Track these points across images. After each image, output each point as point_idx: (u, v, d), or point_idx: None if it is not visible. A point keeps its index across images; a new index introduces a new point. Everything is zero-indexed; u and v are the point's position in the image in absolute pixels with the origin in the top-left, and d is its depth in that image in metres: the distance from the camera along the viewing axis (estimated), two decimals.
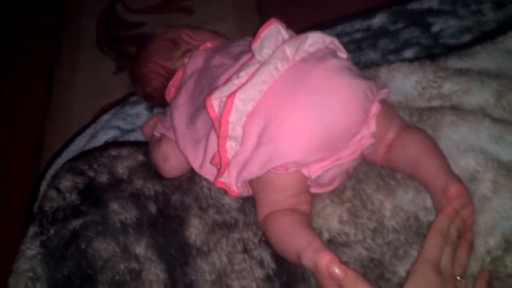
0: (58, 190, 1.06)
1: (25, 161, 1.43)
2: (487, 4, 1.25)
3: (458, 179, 0.81)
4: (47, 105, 1.56)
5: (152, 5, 1.79)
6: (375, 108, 0.87)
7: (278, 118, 0.83)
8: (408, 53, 1.18)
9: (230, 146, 0.86)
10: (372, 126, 0.87)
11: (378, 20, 1.31)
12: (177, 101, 1.02)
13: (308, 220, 0.88)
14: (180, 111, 1.00)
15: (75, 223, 0.99)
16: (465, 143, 0.91)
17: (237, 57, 0.95)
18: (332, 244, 0.89)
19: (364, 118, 0.86)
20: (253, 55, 0.88)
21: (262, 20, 1.58)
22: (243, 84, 0.84)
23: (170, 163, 1.02)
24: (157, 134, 1.06)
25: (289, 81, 0.85)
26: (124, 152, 1.11)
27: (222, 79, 0.93)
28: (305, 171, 0.86)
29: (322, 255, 0.75)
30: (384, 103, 0.90)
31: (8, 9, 1.94)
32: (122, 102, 1.32)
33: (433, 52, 1.15)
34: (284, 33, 0.89)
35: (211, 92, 0.88)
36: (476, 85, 1.00)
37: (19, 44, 1.80)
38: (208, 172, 0.94)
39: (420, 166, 0.85)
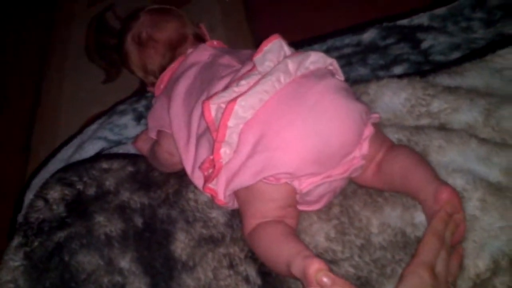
0: (46, 200, 1.05)
1: (11, 170, 1.42)
2: (477, 21, 1.26)
3: (448, 184, 0.83)
4: (34, 113, 1.55)
5: None
6: (368, 131, 0.88)
7: (276, 129, 0.84)
8: (398, 69, 1.19)
9: (224, 152, 0.86)
10: (364, 148, 0.88)
11: (368, 36, 1.31)
12: (175, 90, 1.01)
13: (295, 232, 0.88)
14: (178, 102, 0.99)
15: (60, 235, 0.98)
16: (454, 165, 0.92)
17: (244, 63, 0.96)
18: None
19: (357, 139, 0.87)
20: (254, 67, 0.89)
21: (252, 31, 1.60)
22: (244, 92, 0.85)
23: (177, 155, 1.00)
24: (153, 133, 1.05)
25: (290, 94, 0.86)
26: (116, 165, 1.10)
27: (224, 82, 0.93)
28: (296, 184, 0.86)
29: (311, 262, 0.74)
30: (375, 126, 0.91)
31: None
32: (109, 111, 1.31)
33: (423, 69, 1.16)
34: (286, 49, 0.91)
35: (209, 95, 0.89)
36: (465, 103, 1.00)
37: (7, 51, 1.79)
38: (198, 180, 0.94)
39: (410, 176, 0.86)
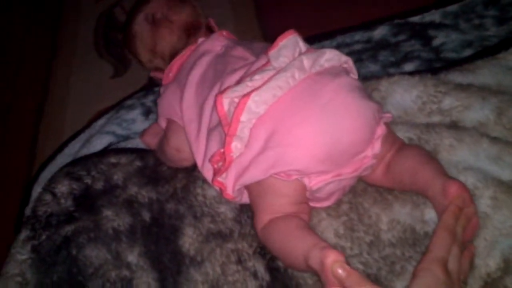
0: (53, 194, 1.04)
1: (18, 164, 1.41)
2: (490, 19, 1.24)
3: (456, 179, 0.82)
4: (42, 108, 1.54)
5: None
6: (381, 130, 0.88)
7: (288, 125, 0.84)
8: (409, 66, 1.18)
9: (235, 146, 0.86)
10: (376, 147, 0.88)
11: (379, 32, 1.30)
12: (188, 80, 1.00)
13: (309, 226, 0.87)
14: (190, 93, 0.99)
15: (68, 229, 0.98)
16: (465, 163, 0.91)
17: (258, 56, 0.95)
18: None
19: (369, 138, 0.87)
20: (268, 61, 0.89)
21: (261, 27, 1.59)
22: (258, 87, 0.85)
23: (185, 151, 1.00)
24: (162, 121, 1.05)
25: (304, 91, 0.85)
26: (124, 159, 1.10)
27: (237, 75, 0.93)
28: (306, 181, 0.86)
29: (328, 253, 0.73)
30: (387, 125, 0.91)
31: (4, 11, 1.92)
32: (117, 106, 1.31)
33: (434, 66, 1.15)
34: (302, 45, 0.91)
35: (222, 88, 0.89)
36: (477, 101, 0.99)
37: (15, 46, 1.79)
38: (208, 172, 0.94)
39: (418, 174, 0.86)
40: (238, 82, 0.89)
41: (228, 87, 0.88)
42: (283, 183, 0.85)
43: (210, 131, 0.93)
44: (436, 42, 1.22)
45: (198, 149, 0.95)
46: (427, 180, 0.84)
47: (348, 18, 1.40)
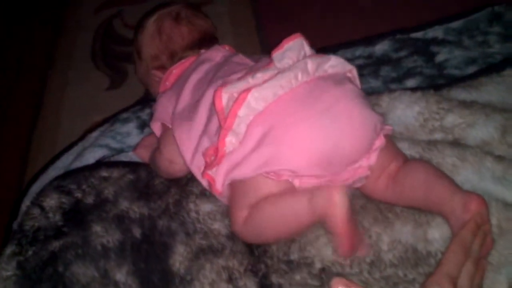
0: (42, 208, 1.01)
1: (9, 175, 1.38)
2: (494, 36, 1.22)
3: (477, 193, 0.80)
4: (36, 118, 1.52)
5: None
6: (379, 142, 0.86)
7: (285, 124, 0.83)
8: (411, 83, 1.15)
9: (230, 141, 0.85)
10: (372, 158, 0.86)
11: (380, 47, 1.28)
12: (185, 84, 1.00)
13: None
14: (186, 94, 0.99)
15: (55, 245, 0.94)
16: (468, 184, 0.88)
17: (258, 62, 0.96)
18: (325, 273, 0.84)
19: (367, 148, 0.85)
20: (271, 62, 0.88)
21: (261, 41, 1.58)
22: (259, 84, 0.84)
23: (178, 163, 0.98)
24: (156, 126, 1.04)
25: (305, 94, 0.85)
26: (116, 173, 1.06)
27: (238, 75, 0.92)
28: (296, 183, 0.84)
29: (335, 189, 0.76)
30: (389, 138, 0.89)
31: (1, 18, 1.90)
32: (112, 118, 1.28)
33: (437, 82, 1.12)
34: (307, 49, 0.90)
35: (223, 83, 0.88)
36: (480, 118, 0.97)
37: (12, 55, 1.77)
38: (197, 167, 0.93)
39: (433, 187, 0.83)
40: (240, 79, 0.88)
41: (228, 82, 0.87)
42: (271, 183, 0.84)
43: (204, 128, 0.92)
44: (439, 58, 1.20)
45: (189, 144, 0.94)
46: (443, 194, 0.81)
47: (349, 33, 1.39)
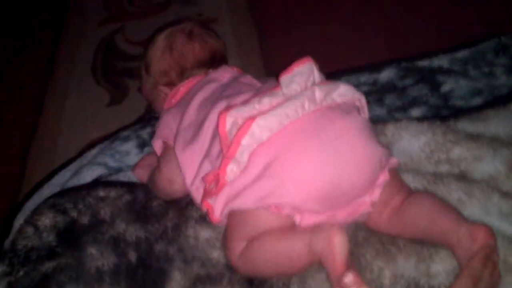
0: (36, 227, 0.98)
1: (4, 190, 1.35)
2: (500, 67, 1.21)
3: (483, 223, 0.78)
4: (33, 133, 1.49)
5: None
6: (384, 177, 0.85)
7: (289, 157, 0.81)
8: (416, 112, 1.14)
9: (231, 170, 0.83)
10: (376, 194, 0.85)
11: (385, 75, 1.26)
12: (190, 103, 0.98)
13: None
14: (191, 114, 0.97)
15: (48, 266, 0.91)
16: (473, 219, 0.86)
17: (265, 84, 0.95)
18: None
19: (371, 184, 0.83)
20: (278, 86, 0.86)
21: (264, 60, 1.57)
22: (265, 111, 0.82)
23: (177, 182, 0.96)
24: (157, 143, 1.02)
25: (311, 124, 0.83)
26: (113, 193, 1.04)
27: (244, 96, 0.91)
28: (297, 219, 0.82)
29: (335, 231, 0.74)
30: (393, 171, 0.87)
31: (3, 29, 1.89)
32: (112, 136, 1.26)
33: (442, 113, 1.11)
34: (316, 74, 0.88)
35: (228, 106, 0.86)
36: (488, 152, 0.96)
37: (11, 66, 1.74)
38: (196, 191, 0.91)
39: (438, 218, 0.81)
40: (245, 102, 0.86)
41: (233, 105, 0.85)
42: (271, 216, 0.81)
43: (207, 151, 0.90)
44: (445, 88, 1.18)
45: (191, 166, 0.92)
46: (448, 225, 0.79)
47: (354, 58, 1.37)
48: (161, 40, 1.13)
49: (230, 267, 0.89)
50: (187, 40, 1.12)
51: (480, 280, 0.73)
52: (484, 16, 1.54)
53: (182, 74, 1.10)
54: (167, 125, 1.01)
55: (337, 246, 0.74)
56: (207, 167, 0.89)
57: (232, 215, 0.85)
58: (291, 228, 0.82)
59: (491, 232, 0.76)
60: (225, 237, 0.87)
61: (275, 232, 0.81)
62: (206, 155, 0.90)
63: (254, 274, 0.85)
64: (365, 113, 0.90)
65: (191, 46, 1.11)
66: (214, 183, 0.86)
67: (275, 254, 0.81)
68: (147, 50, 1.16)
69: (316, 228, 0.77)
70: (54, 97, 1.60)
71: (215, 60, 1.11)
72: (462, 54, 1.27)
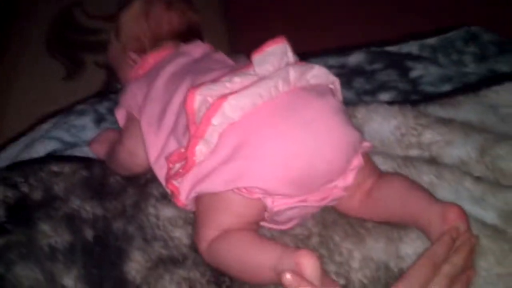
0: None
1: None
2: (469, 55, 1.20)
3: (455, 203, 0.77)
4: None
5: (113, 13, 1.68)
6: (357, 161, 0.82)
7: (261, 138, 0.77)
8: (384, 96, 1.12)
9: (200, 150, 0.78)
10: (349, 179, 0.82)
11: (354, 59, 1.24)
12: (158, 75, 0.94)
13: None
14: (158, 87, 0.93)
15: None
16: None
17: (237, 62, 0.92)
18: None
19: (344, 168, 0.81)
20: (251, 65, 0.82)
21: (232, 45, 1.54)
22: (237, 91, 0.78)
23: (139, 156, 0.92)
24: (120, 113, 0.98)
25: (285, 105, 0.79)
26: (67, 168, 0.98)
27: (215, 74, 0.87)
28: (268, 202, 0.78)
29: (303, 253, 0.68)
30: (365, 155, 0.85)
31: None
32: (67, 110, 1.19)
33: (411, 98, 1.09)
34: (290, 55, 0.84)
35: (197, 83, 0.81)
36: (460, 137, 0.94)
37: None
38: (160, 168, 0.87)
39: (409, 199, 0.80)
40: (215, 80, 0.81)
41: (203, 83, 0.80)
42: (242, 200, 0.78)
43: (173, 127, 0.86)
44: (414, 73, 1.17)
45: (156, 143, 0.88)
46: (420, 206, 0.78)
47: (323, 43, 1.35)
48: (138, 5, 1.08)
49: (193, 247, 0.85)
50: (166, 8, 1.07)
51: (439, 265, 0.71)
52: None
53: (155, 42, 1.05)
54: (132, 96, 0.96)
55: (307, 274, 0.67)
56: (172, 144, 0.85)
57: (201, 199, 0.81)
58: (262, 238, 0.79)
59: (462, 212, 0.75)
60: (196, 223, 0.83)
61: (246, 234, 0.78)
62: (172, 130, 0.86)
63: (218, 269, 0.81)
64: (339, 97, 0.88)
65: (169, 15, 1.07)
66: (179, 164, 0.81)
67: (240, 263, 0.77)
68: (120, 14, 1.11)
69: (285, 249, 0.72)
70: (3, 71, 1.52)
71: (191, 34, 1.07)
72: (431, 41, 1.26)
